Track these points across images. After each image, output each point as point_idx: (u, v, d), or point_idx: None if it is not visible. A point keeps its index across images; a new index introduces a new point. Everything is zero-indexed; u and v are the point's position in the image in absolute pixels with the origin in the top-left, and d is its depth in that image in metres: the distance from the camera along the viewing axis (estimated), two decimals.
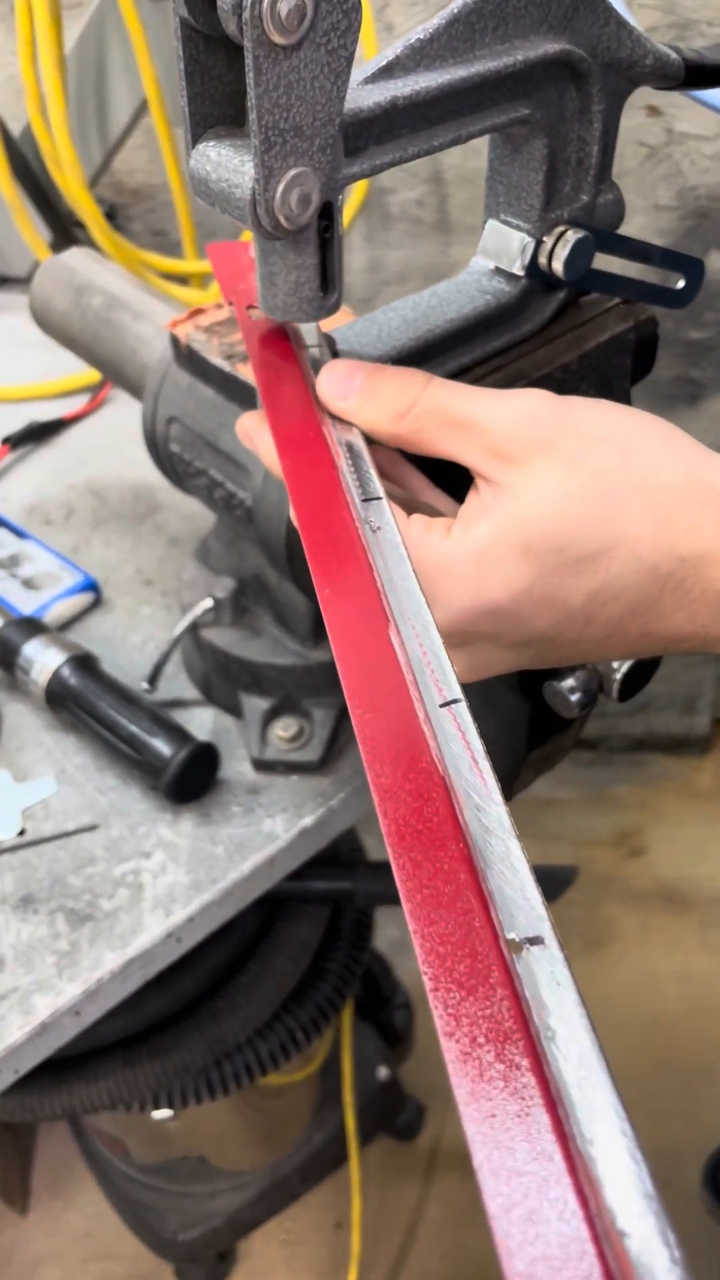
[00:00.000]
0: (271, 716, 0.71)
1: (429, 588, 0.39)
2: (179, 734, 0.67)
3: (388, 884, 0.89)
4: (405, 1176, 1.45)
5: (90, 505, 0.93)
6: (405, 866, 0.25)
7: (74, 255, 0.80)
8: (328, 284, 0.42)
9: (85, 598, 0.83)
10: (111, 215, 1.29)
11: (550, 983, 0.22)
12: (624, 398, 0.54)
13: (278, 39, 0.32)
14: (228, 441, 0.61)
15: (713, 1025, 1.58)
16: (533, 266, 0.48)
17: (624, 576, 0.38)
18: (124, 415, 1.04)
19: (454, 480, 0.43)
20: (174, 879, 0.65)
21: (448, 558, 0.39)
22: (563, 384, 0.50)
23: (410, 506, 0.43)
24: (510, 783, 0.61)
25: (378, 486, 0.38)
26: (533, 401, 0.39)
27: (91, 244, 1.10)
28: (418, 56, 0.39)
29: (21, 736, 0.74)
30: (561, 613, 0.39)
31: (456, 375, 0.49)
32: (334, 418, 0.42)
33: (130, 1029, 0.84)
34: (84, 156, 1.10)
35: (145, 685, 0.74)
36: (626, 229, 0.50)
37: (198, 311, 0.64)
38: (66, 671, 0.71)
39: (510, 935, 0.23)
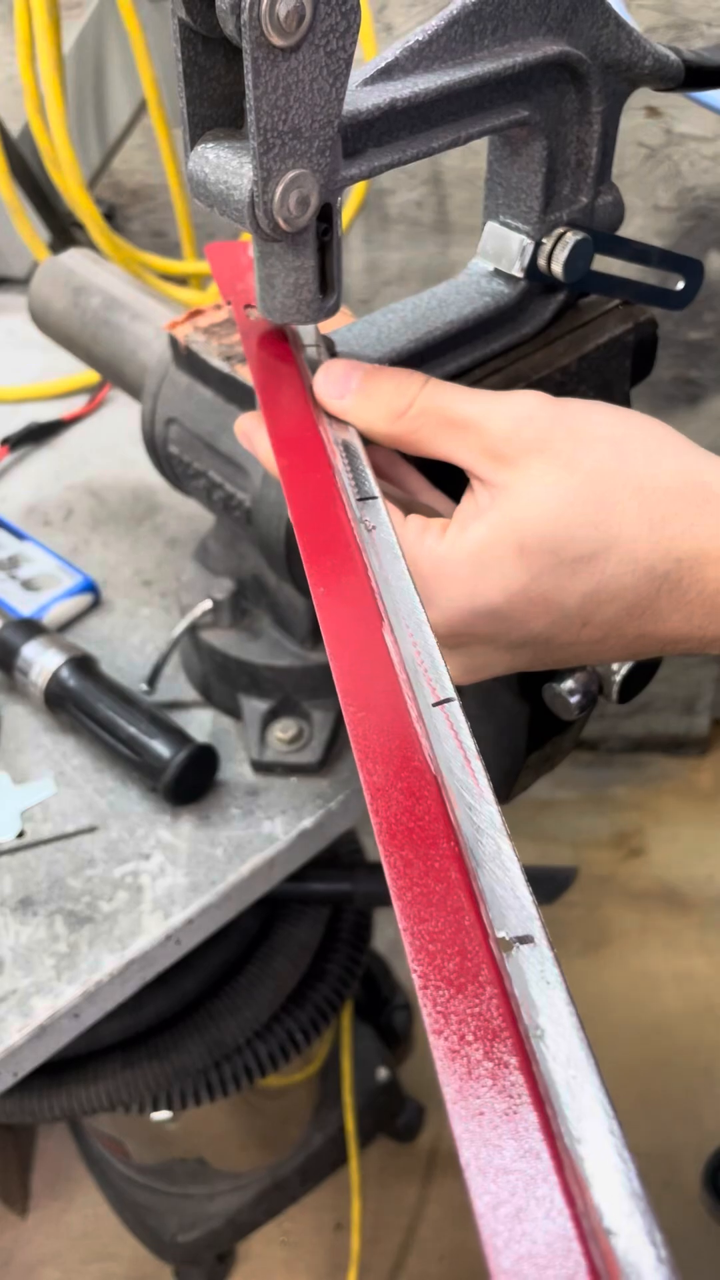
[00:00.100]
0: (270, 718, 0.71)
1: (425, 589, 0.39)
2: (178, 735, 0.67)
3: (386, 885, 0.89)
4: (405, 1177, 1.45)
5: (89, 506, 0.93)
6: (396, 865, 0.25)
7: (73, 256, 0.80)
8: (327, 286, 0.42)
9: (84, 599, 0.83)
10: (110, 216, 1.29)
11: (540, 981, 0.22)
12: (624, 399, 0.54)
13: (276, 41, 0.32)
14: (227, 443, 0.61)
15: (712, 1026, 1.58)
16: (532, 268, 0.48)
17: (620, 577, 0.38)
18: (123, 416, 1.04)
19: (453, 481, 0.43)
20: (173, 881, 0.65)
21: (443, 559, 0.39)
22: (562, 386, 0.50)
23: (408, 507, 0.43)
24: (510, 784, 0.61)
25: (373, 486, 0.38)
26: (529, 402, 0.39)
27: (90, 245, 1.10)
28: (416, 58, 0.39)
29: (20, 738, 0.74)
30: (558, 614, 0.39)
31: (455, 377, 0.49)
32: (331, 417, 0.42)
33: (129, 1030, 0.84)
34: (83, 157, 1.10)
35: (144, 687, 0.74)
36: (625, 230, 0.50)
37: (197, 312, 0.64)
38: (65, 673, 0.71)
39: (501, 934, 0.23)
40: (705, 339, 1.37)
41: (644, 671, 0.51)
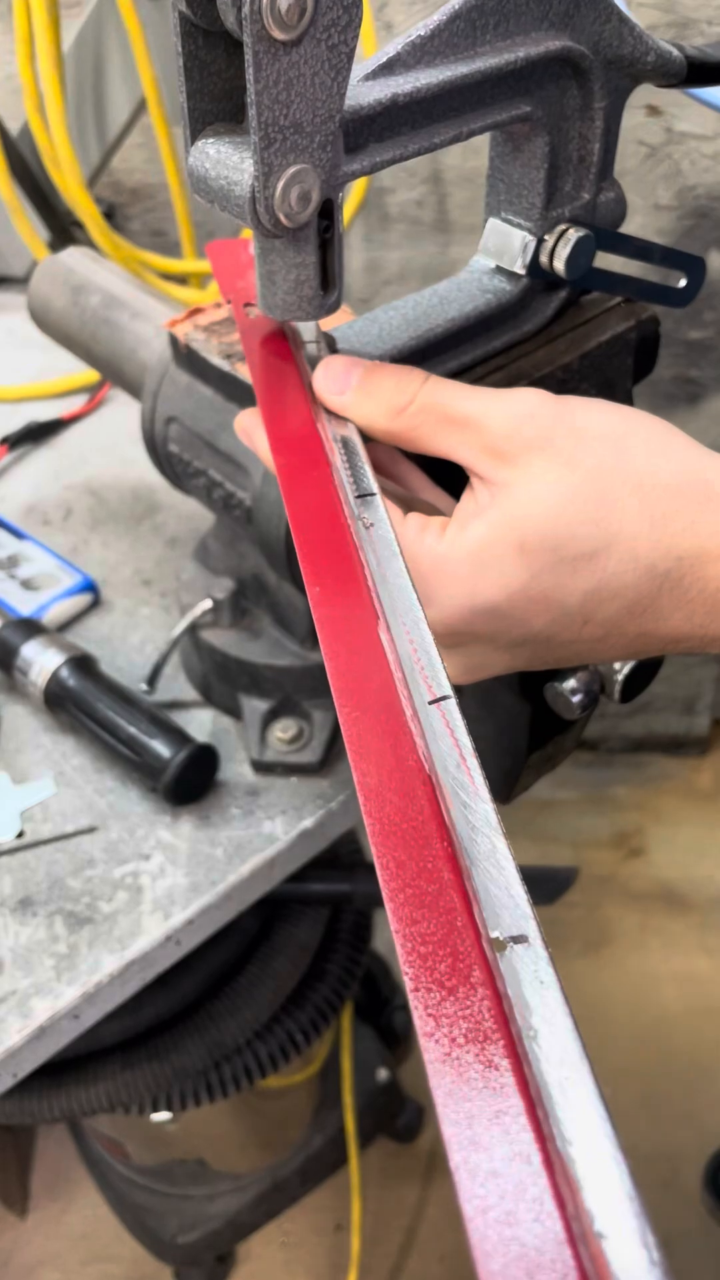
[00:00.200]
0: (271, 718, 0.71)
1: (424, 587, 0.39)
2: (178, 735, 0.67)
3: None
4: (405, 1178, 1.45)
5: (89, 505, 0.93)
6: (388, 866, 0.25)
7: (72, 254, 0.80)
8: (328, 283, 0.41)
9: (84, 598, 0.83)
10: (110, 215, 1.28)
11: (534, 981, 0.22)
12: (626, 397, 0.53)
13: (278, 34, 0.32)
14: (227, 441, 0.61)
15: (712, 1026, 1.57)
16: (534, 265, 0.48)
17: (621, 575, 0.37)
18: (122, 415, 1.03)
19: (454, 479, 0.42)
20: (173, 881, 0.65)
21: (443, 557, 0.39)
22: (564, 383, 0.50)
23: (409, 504, 0.42)
24: (511, 784, 0.60)
25: (372, 482, 0.38)
26: (530, 400, 0.39)
27: (90, 244, 1.09)
28: (419, 53, 0.39)
29: (20, 738, 0.74)
30: (558, 612, 0.39)
31: (457, 375, 0.49)
32: (330, 414, 0.42)
33: (129, 1031, 0.83)
34: (82, 156, 1.10)
35: (144, 686, 0.74)
36: (625, 229, 0.50)
37: (197, 311, 0.64)
38: (65, 673, 0.70)
39: (495, 934, 0.23)
40: (705, 338, 1.37)
41: (646, 671, 0.51)
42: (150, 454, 0.69)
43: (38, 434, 1.01)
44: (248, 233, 0.46)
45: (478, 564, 0.38)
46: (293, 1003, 0.92)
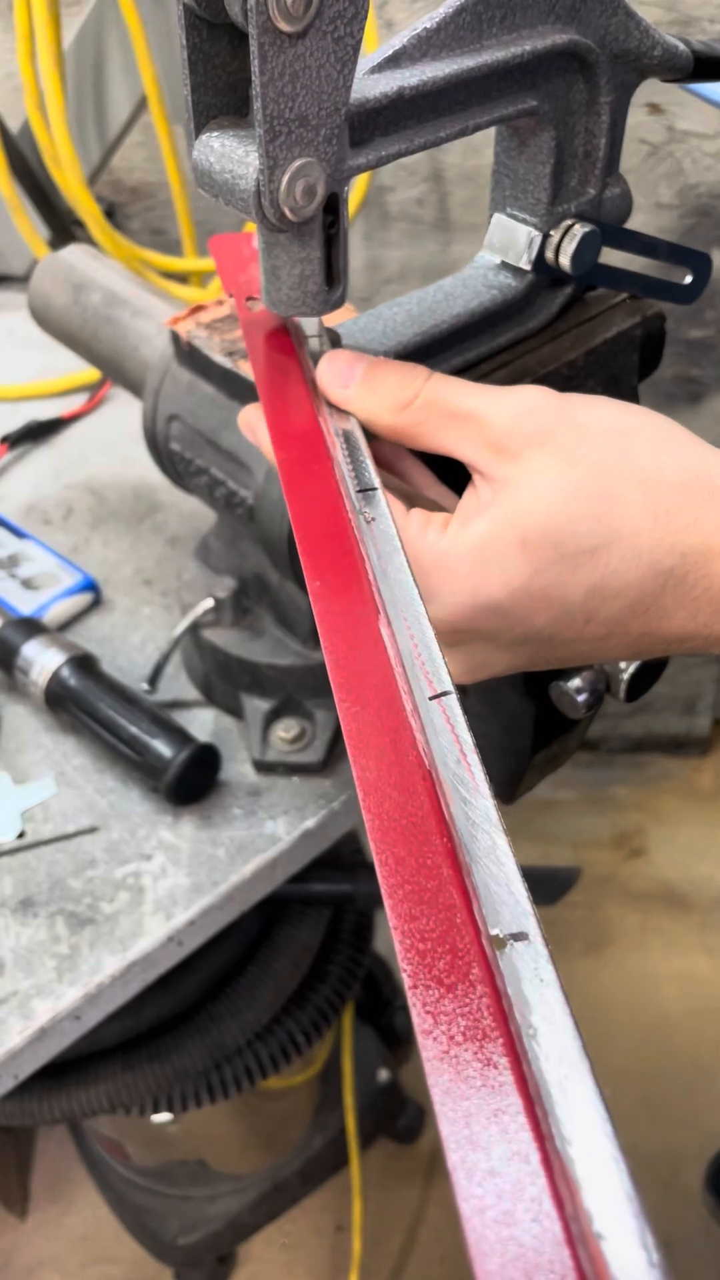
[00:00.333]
0: (273, 717, 0.71)
1: (426, 584, 0.39)
2: (179, 735, 0.67)
3: None
4: (406, 1179, 1.45)
5: (89, 504, 0.93)
6: (387, 862, 0.25)
7: (73, 252, 0.79)
8: (333, 278, 0.41)
9: (84, 598, 0.82)
10: (110, 213, 1.28)
11: (534, 979, 0.22)
12: (631, 394, 0.53)
13: (283, 26, 0.32)
14: (229, 439, 0.61)
15: (713, 1026, 1.57)
16: (539, 261, 0.48)
17: (623, 573, 0.37)
18: (123, 414, 1.03)
19: (459, 477, 0.42)
20: (175, 882, 0.65)
21: (445, 554, 0.38)
22: (569, 380, 0.50)
23: (412, 500, 0.42)
24: (515, 784, 0.60)
25: (374, 477, 0.38)
26: (532, 396, 0.39)
27: (90, 242, 1.09)
28: (424, 46, 0.39)
29: (21, 738, 0.73)
30: (560, 609, 0.38)
31: (461, 371, 0.49)
32: (332, 409, 0.42)
33: (130, 1032, 0.83)
34: (83, 154, 1.10)
35: (145, 686, 0.74)
36: (626, 226, 0.50)
37: (198, 308, 0.63)
38: (66, 672, 0.70)
39: (494, 931, 0.23)
40: (706, 337, 1.37)
41: (652, 670, 0.51)
42: (152, 452, 0.68)
43: (38, 433, 1.00)
44: (251, 226, 0.45)
45: (480, 560, 0.38)
46: (294, 1004, 0.91)
